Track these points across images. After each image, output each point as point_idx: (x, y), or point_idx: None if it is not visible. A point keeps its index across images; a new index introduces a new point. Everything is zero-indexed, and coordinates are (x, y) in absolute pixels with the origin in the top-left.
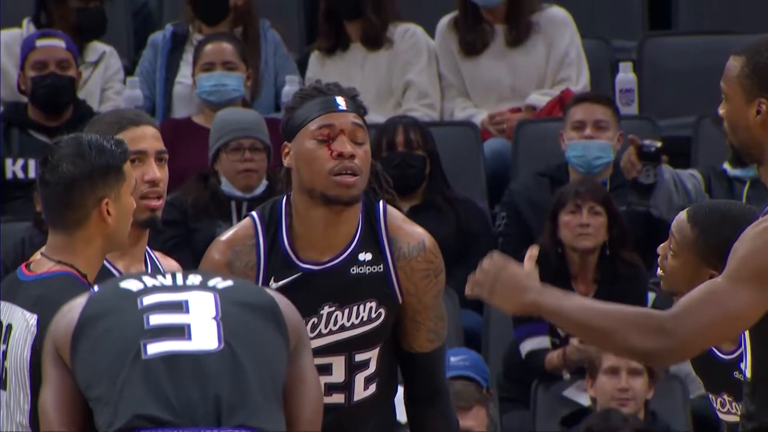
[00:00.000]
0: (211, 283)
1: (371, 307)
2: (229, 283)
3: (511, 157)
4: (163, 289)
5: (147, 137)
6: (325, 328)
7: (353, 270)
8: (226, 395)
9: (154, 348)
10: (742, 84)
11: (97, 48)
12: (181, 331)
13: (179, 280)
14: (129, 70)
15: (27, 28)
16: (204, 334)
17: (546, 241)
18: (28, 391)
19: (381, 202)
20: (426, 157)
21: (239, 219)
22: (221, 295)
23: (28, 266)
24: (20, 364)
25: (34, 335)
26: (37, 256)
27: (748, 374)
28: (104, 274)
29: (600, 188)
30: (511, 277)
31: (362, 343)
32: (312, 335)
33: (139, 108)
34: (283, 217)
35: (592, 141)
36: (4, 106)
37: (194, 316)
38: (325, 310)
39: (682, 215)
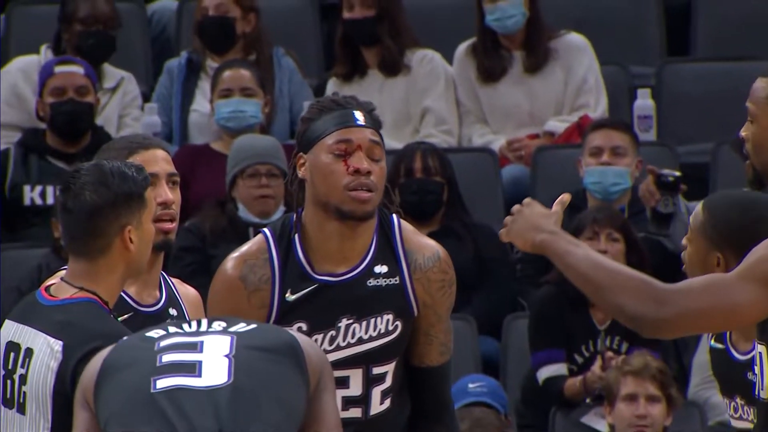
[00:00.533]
0: (233, 328)
1: (388, 320)
2: (251, 327)
3: (529, 183)
4: (182, 334)
5: (158, 160)
6: (343, 341)
7: (370, 282)
8: (232, 428)
9: (163, 383)
10: None
11: (115, 74)
12: (191, 368)
13: (203, 327)
14: (147, 97)
15: (44, 54)
16: (214, 370)
17: None
18: (49, 417)
19: (395, 216)
20: (444, 184)
21: None
22: (239, 336)
23: (47, 290)
24: (42, 390)
25: (60, 361)
26: (55, 279)
27: (765, 395)
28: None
29: (618, 215)
30: (530, 215)
31: (380, 355)
32: (330, 348)
33: (156, 134)
34: (295, 231)
35: (609, 167)
36: (23, 133)
37: (206, 355)
38: (343, 322)
39: (700, 204)
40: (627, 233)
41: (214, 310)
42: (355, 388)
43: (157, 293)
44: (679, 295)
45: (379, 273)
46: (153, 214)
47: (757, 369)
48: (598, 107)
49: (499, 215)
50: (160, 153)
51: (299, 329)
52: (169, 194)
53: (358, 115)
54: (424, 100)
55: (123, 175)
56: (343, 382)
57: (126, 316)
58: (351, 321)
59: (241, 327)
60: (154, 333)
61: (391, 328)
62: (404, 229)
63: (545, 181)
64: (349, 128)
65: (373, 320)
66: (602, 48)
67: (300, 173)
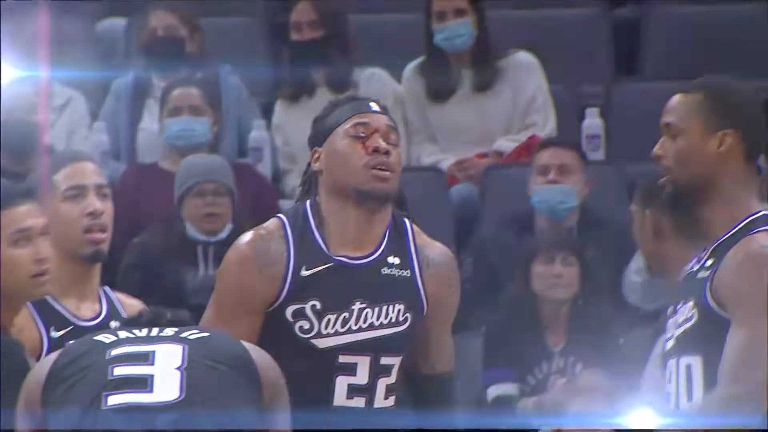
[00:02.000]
0: (184, 334)
1: (399, 310)
2: (203, 334)
3: (478, 202)
4: (134, 340)
5: (86, 172)
6: (355, 324)
7: (384, 270)
8: None
9: (114, 400)
10: (703, 117)
11: (63, 92)
12: (143, 383)
13: (154, 332)
14: (96, 115)
15: None
16: (165, 385)
17: (518, 292)
18: None
19: (406, 219)
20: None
21: (206, 263)
22: (191, 346)
23: None
24: None
25: None
26: None
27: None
28: (51, 313)
29: (572, 238)
30: None
31: (389, 345)
32: (342, 330)
33: (104, 153)
34: (310, 217)
35: (555, 185)
36: None
37: (158, 368)
38: (357, 306)
39: None
40: (581, 256)
41: (225, 281)
42: (362, 376)
43: (97, 306)
44: (737, 377)
45: (393, 263)
46: (11, 238)
47: (673, 384)
48: (547, 126)
49: (448, 234)
50: (89, 165)
51: (313, 308)
52: (98, 204)
53: (373, 104)
54: None
55: None
56: (350, 369)
57: (65, 330)
58: (364, 306)
59: (192, 333)
60: (104, 338)
61: (401, 318)
62: (416, 230)
63: (495, 200)
64: (366, 113)
65: (385, 308)
66: (551, 67)
67: (315, 166)
